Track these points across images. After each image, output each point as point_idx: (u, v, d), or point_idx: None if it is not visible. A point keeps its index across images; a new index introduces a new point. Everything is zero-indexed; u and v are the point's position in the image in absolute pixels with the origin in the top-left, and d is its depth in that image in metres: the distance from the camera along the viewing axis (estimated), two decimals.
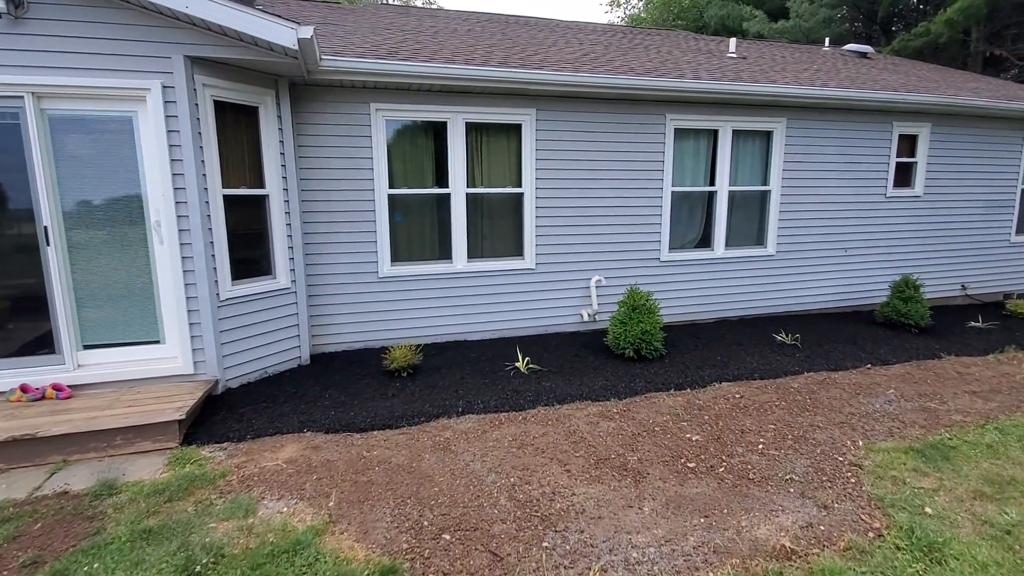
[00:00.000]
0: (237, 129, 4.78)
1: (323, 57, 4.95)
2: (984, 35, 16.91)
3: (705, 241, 7.15)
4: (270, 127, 4.96)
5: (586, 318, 6.60)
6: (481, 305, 6.26)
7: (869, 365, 5.51)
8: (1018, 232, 8.76)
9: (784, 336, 6.19)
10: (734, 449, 3.69)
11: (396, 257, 5.99)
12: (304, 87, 5.35)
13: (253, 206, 4.96)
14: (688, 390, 4.82)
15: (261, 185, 4.98)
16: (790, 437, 3.88)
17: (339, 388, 4.78)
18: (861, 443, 3.77)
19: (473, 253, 6.23)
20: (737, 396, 4.64)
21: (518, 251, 6.38)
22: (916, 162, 7.86)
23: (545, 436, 3.89)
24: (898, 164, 7.76)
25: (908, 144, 7.84)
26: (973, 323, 7.04)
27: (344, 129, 5.55)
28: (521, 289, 6.38)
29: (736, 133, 6.96)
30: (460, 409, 4.39)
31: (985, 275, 8.63)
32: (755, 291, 7.34)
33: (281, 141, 5.05)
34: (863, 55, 11.28)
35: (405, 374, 5.07)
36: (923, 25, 15.61)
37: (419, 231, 6.14)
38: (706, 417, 4.21)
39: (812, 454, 3.63)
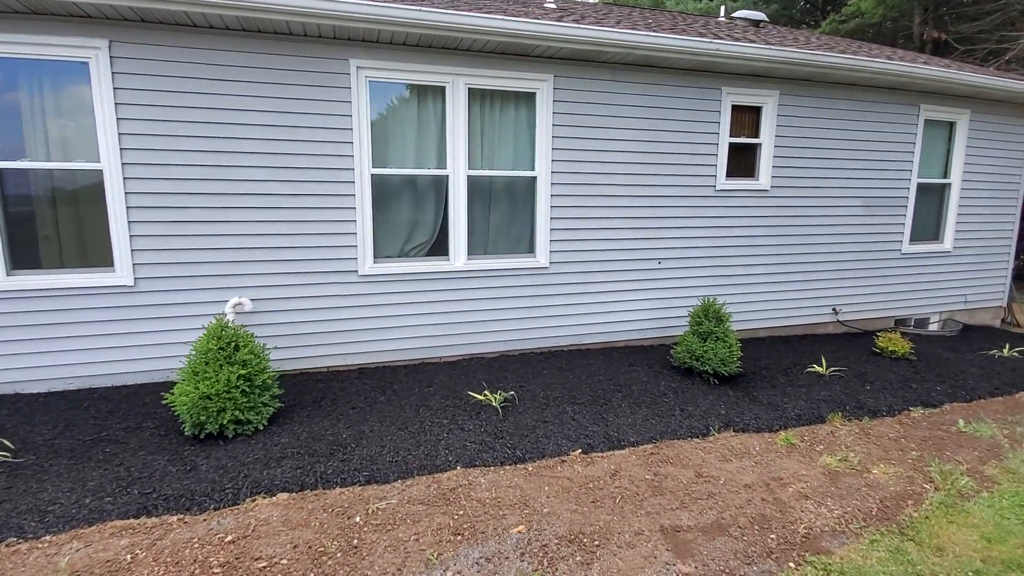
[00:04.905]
0: None
1: None
2: (930, 18, 14.93)
3: (440, 247, 5.03)
4: None
5: None
6: (37, 341, 4.09)
7: (580, 450, 3.40)
8: (913, 239, 6.71)
9: (489, 394, 4.02)
10: None
11: None
12: None
13: None
14: (178, 516, 2.67)
15: None
16: None
17: None
18: None
19: (23, 262, 4.07)
20: (230, 537, 2.50)
21: (103, 259, 4.21)
22: (760, 144, 5.78)
23: None
24: (734, 146, 5.67)
25: (749, 119, 5.75)
26: (815, 368, 4.95)
27: None
28: (108, 317, 4.21)
29: (477, 93, 4.84)
30: None
31: (866, 296, 6.55)
32: (519, 318, 5.21)
33: None
34: (756, 23, 9.22)
35: None
36: (853, 3, 13.62)
37: None
38: None
39: None
